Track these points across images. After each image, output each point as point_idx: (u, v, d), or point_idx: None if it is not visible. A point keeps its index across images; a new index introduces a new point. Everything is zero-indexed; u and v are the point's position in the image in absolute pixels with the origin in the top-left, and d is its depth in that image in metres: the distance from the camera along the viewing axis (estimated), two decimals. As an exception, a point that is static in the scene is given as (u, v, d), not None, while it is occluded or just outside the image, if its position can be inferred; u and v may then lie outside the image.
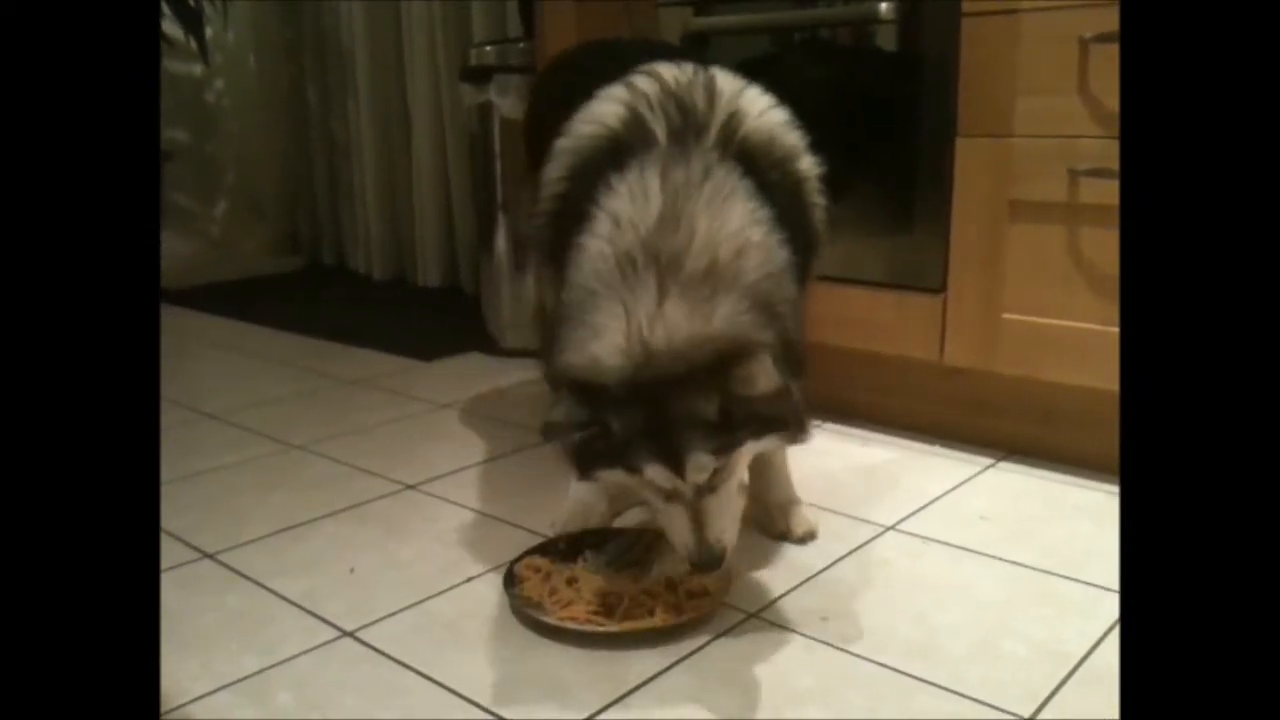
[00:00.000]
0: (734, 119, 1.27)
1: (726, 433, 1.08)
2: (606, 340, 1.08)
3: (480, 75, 2.51)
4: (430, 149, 3.37)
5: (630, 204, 1.18)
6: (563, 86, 1.55)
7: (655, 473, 1.10)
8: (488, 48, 2.56)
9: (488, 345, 2.64)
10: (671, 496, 1.13)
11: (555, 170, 1.33)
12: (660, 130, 1.25)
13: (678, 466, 1.08)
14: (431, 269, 3.48)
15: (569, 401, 1.08)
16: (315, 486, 1.75)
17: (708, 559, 1.13)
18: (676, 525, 1.14)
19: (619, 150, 1.25)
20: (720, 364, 1.05)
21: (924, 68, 1.71)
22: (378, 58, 3.50)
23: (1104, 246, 1.57)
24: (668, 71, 1.31)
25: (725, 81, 1.31)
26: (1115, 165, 1.51)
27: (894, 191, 1.79)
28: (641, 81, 1.30)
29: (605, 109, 1.30)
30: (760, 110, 1.31)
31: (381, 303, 3.41)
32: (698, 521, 1.13)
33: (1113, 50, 1.49)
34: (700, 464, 1.09)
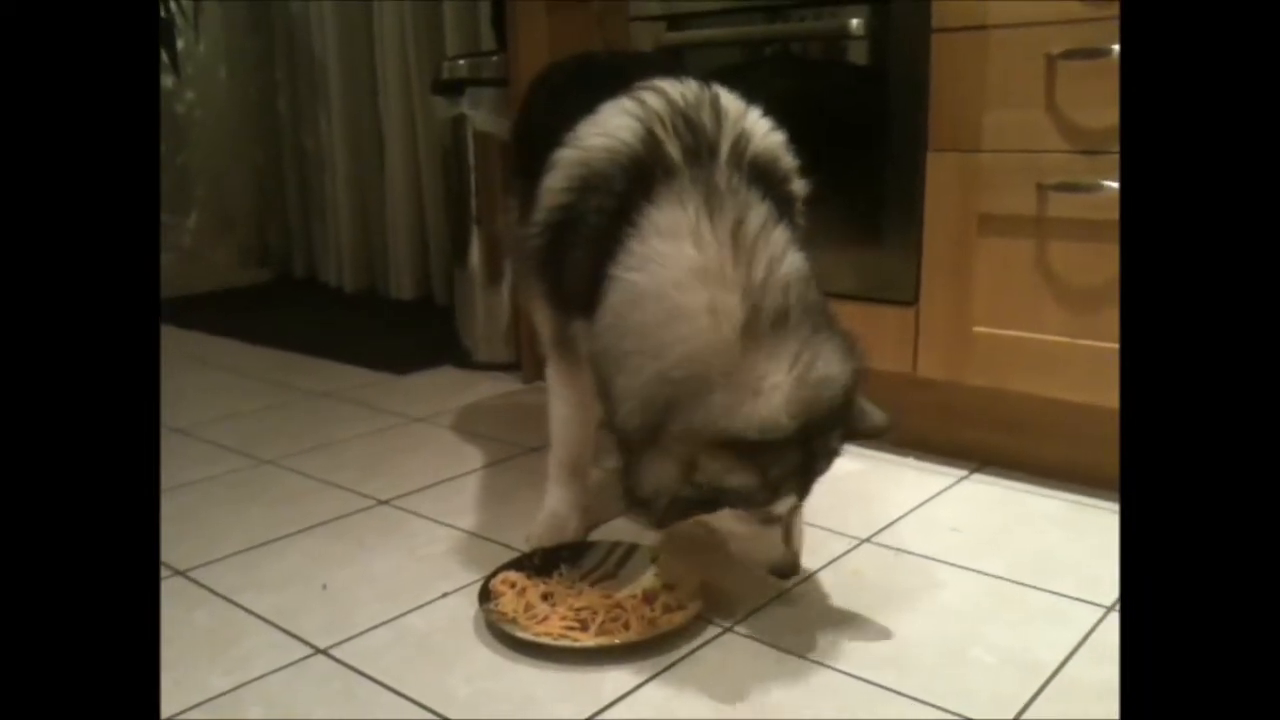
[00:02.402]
0: (741, 139, 1.27)
1: (836, 458, 1.20)
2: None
3: (453, 88, 2.51)
4: (403, 161, 3.36)
5: (696, 249, 1.17)
6: (561, 94, 1.54)
7: (783, 505, 1.17)
8: (461, 61, 2.56)
9: (461, 358, 2.63)
10: (772, 520, 1.19)
11: (557, 180, 1.31)
12: (675, 151, 1.24)
13: (804, 495, 1.19)
14: (404, 281, 3.47)
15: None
16: (287, 502, 1.73)
17: (797, 563, 1.26)
18: (766, 544, 1.22)
19: (640, 171, 1.24)
20: (846, 403, 1.16)
21: (894, 82, 1.73)
22: (350, 69, 3.49)
23: (1072, 260, 1.59)
24: (674, 88, 1.30)
25: (729, 101, 1.31)
26: (1082, 179, 1.54)
27: (865, 205, 1.81)
28: (650, 98, 1.29)
29: (618, 122, 1.28)
30: (764, 131, 1.31)
31: (353, 315, 3.39)
32: (788, 535, 1.22)
33: (1079, 66, 1.51)
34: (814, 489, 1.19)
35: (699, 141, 1.25)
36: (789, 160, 1.34)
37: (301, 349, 2.82)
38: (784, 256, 1.19)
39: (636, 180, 1.23)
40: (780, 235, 1.20)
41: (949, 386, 1.77)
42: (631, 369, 1.18)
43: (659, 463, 1.14)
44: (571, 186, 1.30)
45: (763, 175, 1.27)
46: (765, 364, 1.12)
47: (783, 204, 1.28)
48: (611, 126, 1.28)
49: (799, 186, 1.35)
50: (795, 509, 1.22)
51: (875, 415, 1.21)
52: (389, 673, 1.21)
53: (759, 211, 1.20)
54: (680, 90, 1.30)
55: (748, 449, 1.10)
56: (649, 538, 1.48)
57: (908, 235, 1.75)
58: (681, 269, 1.17)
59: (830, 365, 1.14)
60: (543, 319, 1.53)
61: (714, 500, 1.14)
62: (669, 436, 1.13)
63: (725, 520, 1.20)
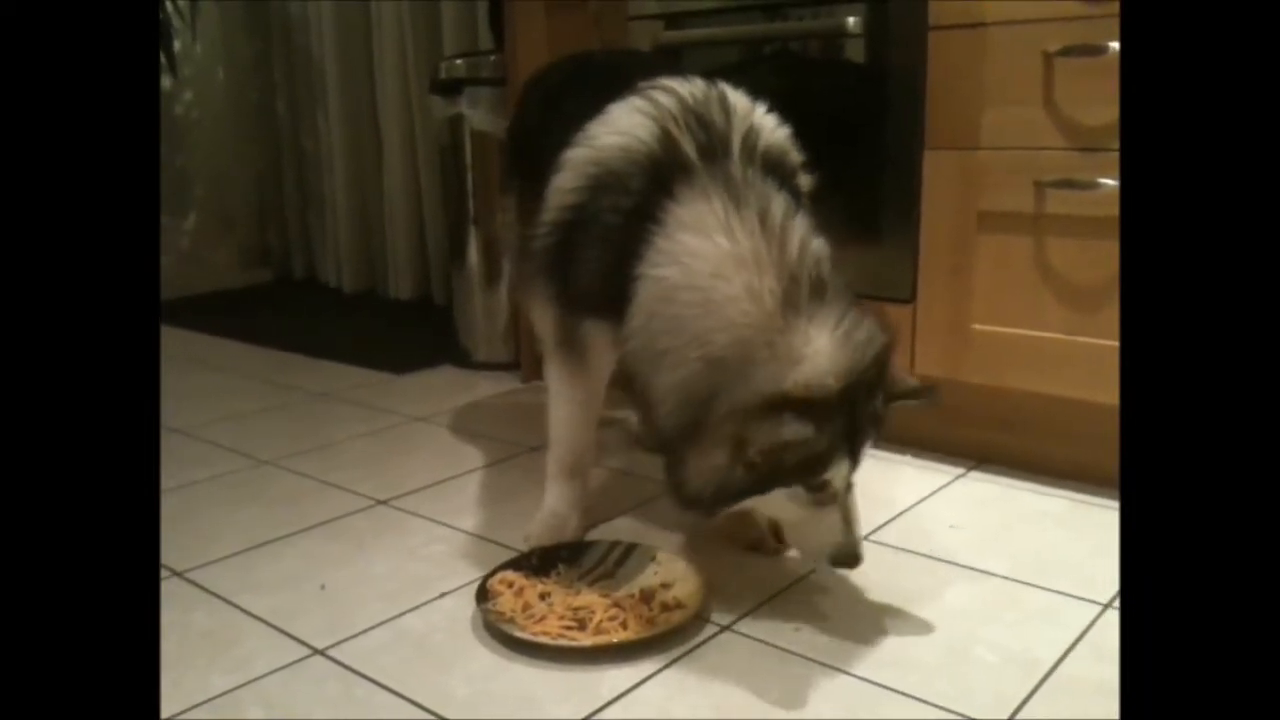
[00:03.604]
0: (751, 134, 1.29)
1: (881, 424, 1.21)
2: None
3: (451, 88, 2.51)
4: (401, 161, 3.36)
5: (729, 240, 1.19)
6: (558, 95, 1.54)
7: (837, 472, 1.16)
8: (458, 60, 2.56)
9: (460, 358, 2.63)
10: (825, 499, 1.19)
11: (568, 180, 1.31)
12: (690, 148, 1.25)
13: (857, 461, 1.18)
14: (403, 281, 3.47)
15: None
16: (285, 502, 1.73)
17: (860, 551, 1.23)
18: (825, 526, 1.21)
19: (657, 170, 1.25)
20: (883, 366, 1.18)
21: (892, 80, 1.73)
22: (348, 70, 3.49)
23: (1070, 257, 1.59)
24: (683, 86, 1.31)
25: (736, 98, 1.33)
26: (1080, 177, 1.53)
27: (863, 203, 1.80)
28: (661, 96, 1.29)
29: (632, 121, 1.28)
30: (772, 126, 1.33)
31: (352, 315, 3.39)
32: (847, 519, 1.21)
33: (1076, 64, 1.51)
34: (865, 456, 1.19)
35: (711, 138, 1.26)
36: (796, 154, 1.36)
37: (300, 349, 2.82)
38: (811, 238, 1.22)
39: (654, 178, 1.24)
40: (803, 221, 1.23)
41: (947, 384, 1.76)
42: (670, 365, 1.19)
43: (705, 452, 1.15)
44: (583, 185, 1.30)
45: (774, 169, 1.29)
46: (807, 330, 1.14)
47: (793, 196, 1.29)
48: (625, 125, 1.29)
49: (804, 180, 1.37)
50: (849, 490, 1.21)
51: (910, 380, 1.23)
52: (387, 673, 1.20)
53: (780, 201, 1.23)
54: (689, 88, 1.31)
55: (794, 408, 1.10)
56: (652, 537, 1.48)
57: (906, 233, 1.75)
58: (717, 260, 1.19)
59: (870, 330, 1.17)
60: (547, 319, 1.52)
61: (766, 478, 1.14)
62: (713, 423, 1.14)
63: (779, 506, 1.20)
